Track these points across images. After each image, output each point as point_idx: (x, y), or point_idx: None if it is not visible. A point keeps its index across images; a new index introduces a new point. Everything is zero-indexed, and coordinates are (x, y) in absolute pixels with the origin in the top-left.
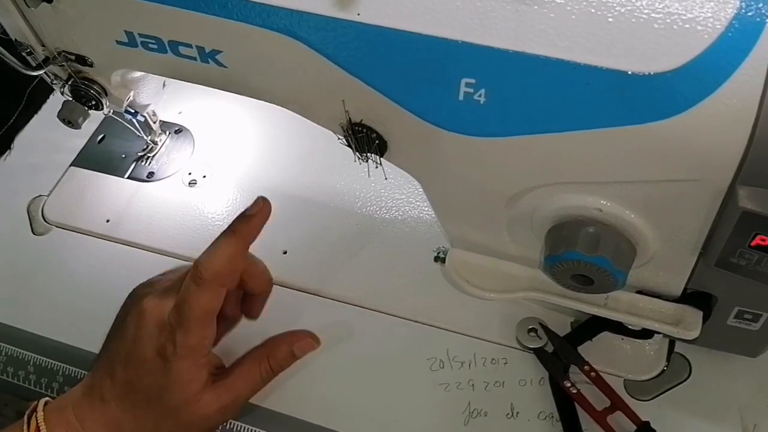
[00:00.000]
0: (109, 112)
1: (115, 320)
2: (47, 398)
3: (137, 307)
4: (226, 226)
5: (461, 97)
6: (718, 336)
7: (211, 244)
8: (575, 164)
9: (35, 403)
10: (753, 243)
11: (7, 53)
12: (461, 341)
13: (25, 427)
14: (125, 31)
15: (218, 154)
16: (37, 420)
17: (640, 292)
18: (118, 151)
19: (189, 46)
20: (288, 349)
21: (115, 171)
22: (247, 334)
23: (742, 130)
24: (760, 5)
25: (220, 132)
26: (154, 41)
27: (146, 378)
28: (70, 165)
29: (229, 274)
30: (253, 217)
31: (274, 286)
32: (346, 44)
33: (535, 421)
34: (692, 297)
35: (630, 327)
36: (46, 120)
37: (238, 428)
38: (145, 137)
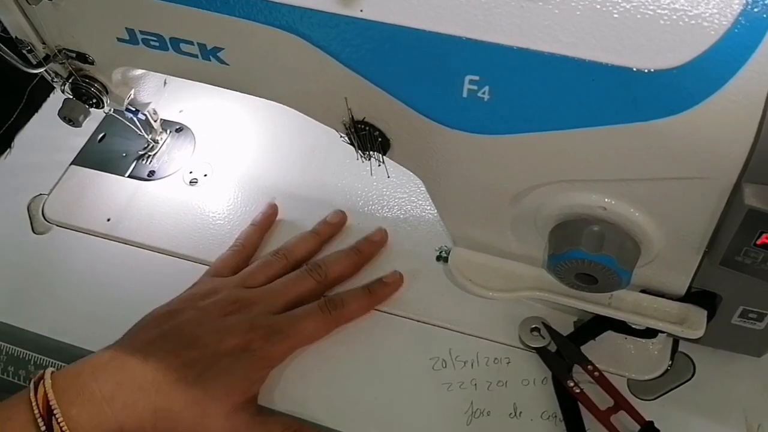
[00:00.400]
0: (110, 110)
1: (180, 306)
2: (53, 369)
3: (233, 304)
4: (366, 284)
5: (465, 95)
6: (723, 335)
7: (352, 293)
8: (580, 162)
9: (41, 372)
10: (759, 241)
11: (7, 51)
12: (464, 341)
13: (32, 393)
14: (126, 28)
15: (219, 152)
16: (45, 387)
17: (644, 291)
18: (119, 150)
19: (190, 43)
20: None
21: (116, 170)
22: None
23: (748, 127)
24: (767, 1)
25: (221, 130)
26: (155, 38)
27: (212, 362)
28: (71, 164)
29: (349, 322)
30: (390, 285)
31: None
32: (349, 41)
33: (538, 420)
34: (696, 296)
35: (634, 326)
36: (46, 118)
37: None
38: (145, 136)
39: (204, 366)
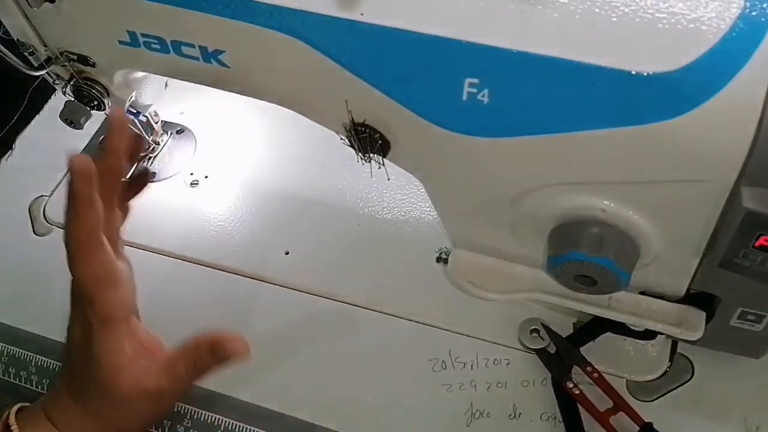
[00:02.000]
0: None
1: None
2: (21, 403)
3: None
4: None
5: (465, 97)
6: (721, 337)
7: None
8: (579, 165)
9: (9, 409)
10: (757, 243)
11: (9, 53)
12: (463, 342)
13: None
14: (128, 30)
15: (220, 154)
16: (8, 422)
17: (643, 292)
18: None
19: (191, 46)
20: (209, 348)
21: None
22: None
23: (746, 130)
24: (765, 5)
25: (221, 132)
26: (156, 41)
27: (81, 361)
28: None
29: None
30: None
31: (276, 287)
32: (349, 44)
33: (537, 421)
34: (695, 298)
35: (633, 328)
36: (47, 120)
37: (239, 428)
38: (147, 137)
39: (83, 367)
